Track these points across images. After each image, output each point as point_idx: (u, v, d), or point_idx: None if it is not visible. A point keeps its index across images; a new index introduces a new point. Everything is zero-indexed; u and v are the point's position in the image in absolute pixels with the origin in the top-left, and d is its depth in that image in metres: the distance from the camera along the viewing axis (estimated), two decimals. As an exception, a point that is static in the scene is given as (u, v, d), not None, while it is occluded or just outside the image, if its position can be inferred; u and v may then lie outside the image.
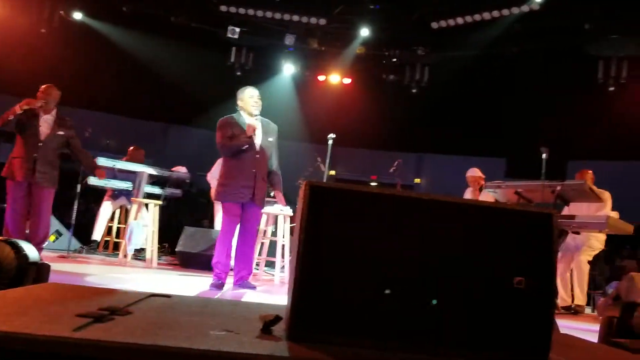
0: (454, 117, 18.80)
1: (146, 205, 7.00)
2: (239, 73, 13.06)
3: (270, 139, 5.17)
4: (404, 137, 19.82)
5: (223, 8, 11.25)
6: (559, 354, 1.60)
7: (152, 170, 7.15)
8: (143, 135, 16.81)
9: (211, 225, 8.01)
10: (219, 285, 4.98)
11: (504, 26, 10.79)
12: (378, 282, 1.44)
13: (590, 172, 6.78)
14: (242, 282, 5.11)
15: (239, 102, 5.20)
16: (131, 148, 8.60)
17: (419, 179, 22.62)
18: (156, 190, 7.28)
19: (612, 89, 12.00)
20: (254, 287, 5.13)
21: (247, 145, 4.97)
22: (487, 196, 6.70)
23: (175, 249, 7.31)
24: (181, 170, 7.54)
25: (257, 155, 5.03)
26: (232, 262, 5.22)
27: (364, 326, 1.42)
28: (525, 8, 10.03)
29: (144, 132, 17.35)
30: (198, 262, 7.00)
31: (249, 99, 5.13)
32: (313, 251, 1.44)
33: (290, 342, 1.42)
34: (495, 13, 10.32)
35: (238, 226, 5.10)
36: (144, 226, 6.79)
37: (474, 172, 7.78)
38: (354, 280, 1.44)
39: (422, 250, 1.46)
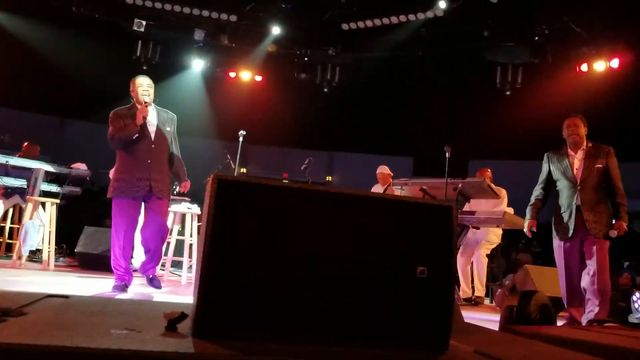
0: (364, 116, 19.26)
1: (42, 204, 6.60)
2: (145, 67, 12.61)
3: (167, 129, 4.92)
4: (316, 135, 20.04)
5: (129, 0, 10.83)
6: (459, 340, 1.67)
7: (49, 167, 6.72)
8: (38, 130, 15.87)
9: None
10: (121, 287, 4.74)
11: (411, 30, 11.19)
12: (284, 276, 1.44)
13: (489, 170, 7.16)
14: (148, 273, 4.91)
15: (131, 93, 4.95)
16: (25, 143, 8.05)
17: (330, 177, 22.98)
18: (53, 188, 6.85)
19: (508, 93, 12.73)
20: (159, 287, 4.95)
21: (136, 135, 4.69)
22: (394, 193, 6.91)
23: (75, 250, 6.92)
24: (81, 167, 7.14)
25: (153, 146, 4.77)
26: (136, 263, 5.01)
27: (269, 320, 1.41)
28: (430, 14, 10.45)
29: (39, 126, 16.39)
30: (99, 263, 6.65)
31: (138, 87, 4.85)
32: (219, 246, 1.42)
33: (195, 338, 1.39)
34: (403, 17, 10.69)
35: (140, 224, 4.90)
36: (40, 226, 6.40)
37: (383, 169, 8.00)
38: (260, 275, 1.43)
39: (329, 243, 1.47)
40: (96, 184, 12.96)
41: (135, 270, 5.17)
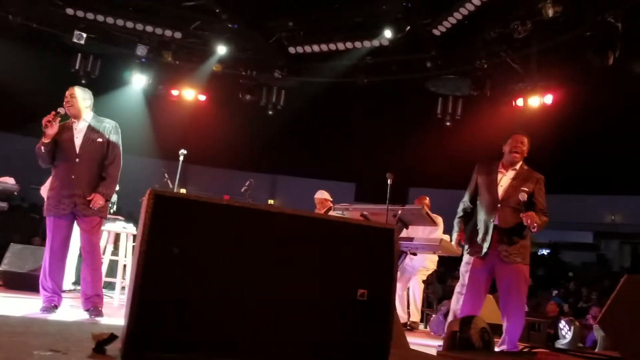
0: (308, 141, 19.41)
1: None
2: (83, 81, 12.23)
3: (99, 140, 4.57)
4: (259, 157, 20.00)
5: (69, 11, 10.50)
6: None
7: None
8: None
9: (43, 243, 7.28)
10: (49, 309, 4.46)
11: (356, 57, 11.39)
12: (220, 297, 1.40)
13: (427, 198, 7.30)
14: (90, 307, 4.58)
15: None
16: None
17: (272, 200, 22.90)
18: None
19: (448, 124, 13.09)
20: (101, 315, 4.59)
21: (43, 148, 4.40)
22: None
23: (-1, 269, 6.52)
24: (8, 181, 6.76)
25: (77, 160, 4.46)
26: (66, 284, 4.73)
27: (203, 342, 1.36)
28: (375, 42, 10.65)
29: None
30: (26, 283, 6.28)
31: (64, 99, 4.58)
32: (154, 265, 1.36)
33: (123, 362, 1.32)
34: (349, 44, 10.85)
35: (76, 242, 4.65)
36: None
37: (321, 195, 8.01)
38: (195, 296, 1.38)
39: (269, 263, 1.44)
40: (26, 200, 12.40)
41: (64, 291, 4.90)
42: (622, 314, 2.09)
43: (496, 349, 4.16)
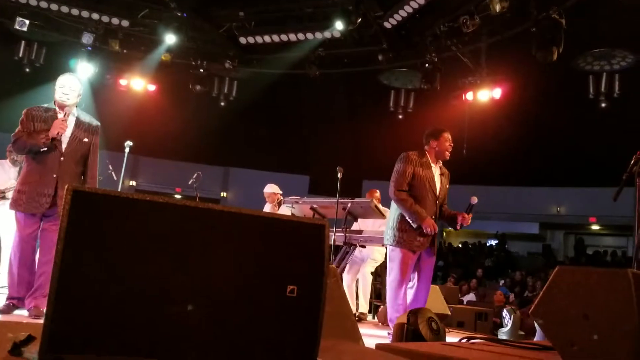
0: (262, 132, 19.26)
1: None
2: (27, 69, 11.83)
3: (85, 140, 4.33)
4: (211, 149, 19.74)
5: (11, -4, 10.11)
6: (332, 358, 1.65)
7: None
8: None
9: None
10: (6, 310, 4.21)
11: (308, 49, 11.33)
12: (144, 296, 1.35)
13: (378, 191, 7.34)
14: (30, 306, 4.19)
15: (53, 91, 4.32)
16: None
17: (225, 193, 22.65)
18: None
19: (400, 117, 13.23)
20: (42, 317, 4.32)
21: (44, 148, 4.13)
22: (286, 211, 6.90)
23: None
24: None
25: (62, 158, 4.20)
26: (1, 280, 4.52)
27: (126, 343, 1.32)
28: (327, 34, 10.63)
29: None
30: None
31: (58, 88, 4.26)
32: (72, 263, 1.31)
33: (40, 364, 1.26)
34: (300, 35, 10.79)
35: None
36: None
37: (270, 188, 7.96)
38: (117, 295, 1.33)
39: (196, 261, 1.40)
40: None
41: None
42: (553, 305, 2.14)
43: None
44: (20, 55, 11.61)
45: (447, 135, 4.76)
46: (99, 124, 4.51)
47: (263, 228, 1.49)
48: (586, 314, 1.96)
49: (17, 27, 10.31)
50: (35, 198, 4.16)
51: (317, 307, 1.49)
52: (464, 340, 2.77)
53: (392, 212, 4.76)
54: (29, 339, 1.40)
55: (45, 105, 4.33)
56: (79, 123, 4.34)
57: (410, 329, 3.09)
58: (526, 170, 18.64)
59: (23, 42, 11.52)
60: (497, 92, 11.39)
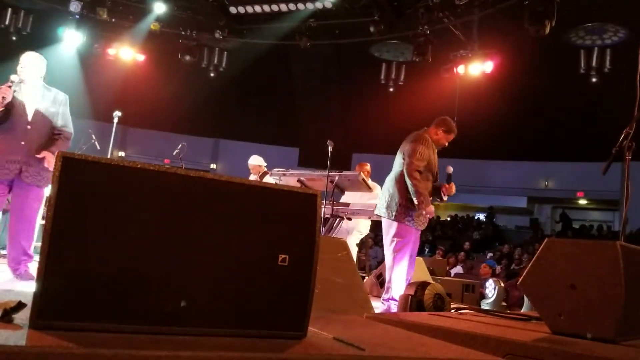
0: (252, 104, 19.11)
1: None
2: (14, 38, 11.62)
3: (52, 109, 4.49)
4: (201, 121, 19.58)
5: (-4, -39, 9.87)
6: (322, 328, 1.67)
7: None
8: None
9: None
10: None
11: (299, 19, 11.20)
12: (134, 263, 1.35)
13: (367, 164, 7.32)
14: (18, 272, 4.45)
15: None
16: None
17: (215, 165, 22.58)
18: None
19: (391, 89, 13.19)
20: (32, 278, 4.47)
21: None
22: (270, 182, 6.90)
23: None
24: None
25: (29, 127, 4.33)
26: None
27: (115, 310, 1.31)
28: (319, 5, 10.51)
29: None
30: None
31: (18, 66, 4.41)
32: (63, 230, 1.30)
33: (31, 330, 1.26)
34: (292, 6, 10.66)
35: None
36: None
37: (254, 160, 7.89)
38: (109, 262, 1.32)
39: (187, 229, 1.40)
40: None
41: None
42: (541, 275, 2.17)
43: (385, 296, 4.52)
44: (7, 23, 11.43)
45: (452, 126, 4.89)
46: (66, 95, 4.66)
47: (255, 197, 1.48)
48: (574, 285, 1.99)
49: (3, -7, 10.10)
50: (5, 165, 4.27)
51: (308, 276, 1.49)
52: (452, 311, 2.81)
53: (395, 188, 4.73)
54: (20, 305, 1.39)
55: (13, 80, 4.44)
56: (44, 95, 4.49)
57: (415, 300, 3.17)
58: (515, 144, 18.71)
59: (9, 10, 11.33)
60: (488, 66, 11.37)
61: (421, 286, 3.15)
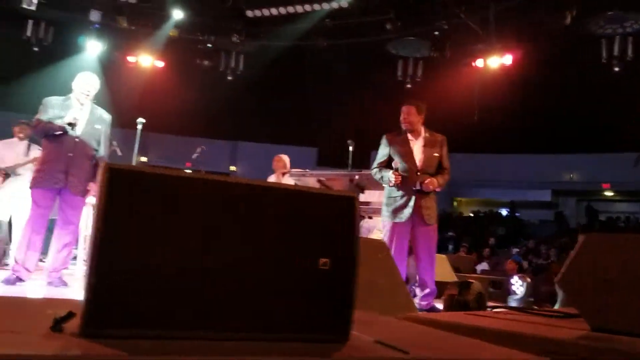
0: (269, 106, 19.18)
1: None
2: (36, 49, 11.78)
3: (97, 127, 4.76)
4: (219, 124, 19.71)
5: (17, -26, 10.03)
6: (361, 330, 1.67)
7: None
8: None
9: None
10: (11, 281, 4.44)
11: (315, 20, 11.22)
12: (181, 270, 1.37)
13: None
14: (51, 279, 4.61)
15: (73, 84, 4.76)
16: None
17: (234, 167, 22.70)
18: None
19: (409, 86, 13.11)
20: (65, 285, 4.63)
21: (59, 132, 4.53)
22: (289, 183, 6.93)
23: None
24: None
25: (77, 140, 4.60)
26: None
27: (162, 317, 1.33)
28: (335, 4, 10.51)
29: None
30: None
31: (82, 85, 4.72)
32: (112, 240, 1.32)
33: (82, 339, 1.28)
34: (308, 7, 10.69)
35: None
36: None
37: (282, 156, 7.92)
38: (155, 270, 1.34)
39: (230, 235, 1.41)
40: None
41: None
42: (579, 272, 2.14)
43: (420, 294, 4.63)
44: (29, 34, 11.54)
45: (401, 110, 4.98)
46: (110, 117, 4.96)
47: (294, 201, 1.49)
48: (614, 280, 1.97)
49: (25, 5, 10.23)
50: (54, 175, 4.53)
51: (350, 279, 1.50)
52: (489, 309, 2.80)
53: None
54: (69, 315, 1.42)
55: (64, 96, 4.76)
56: (92, 112, 4.79)
57: (459, 301, 3.18)
58: (538, 137, 18.49)
59: (31, 22, 11.44)
60: (507, 59, 11.27)
61: (464, 286, 3.15)
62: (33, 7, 10.36)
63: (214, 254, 1.39)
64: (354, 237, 1.54)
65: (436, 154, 4.82)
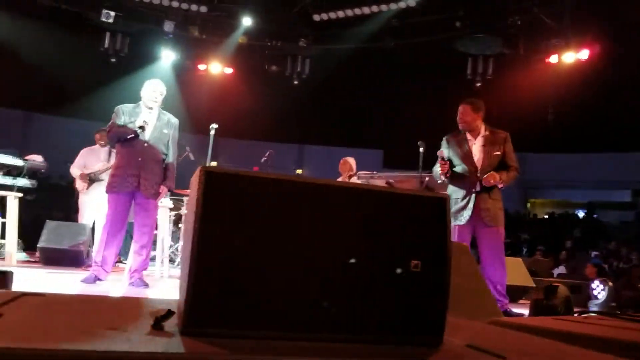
0: (335, 108, 19.26)
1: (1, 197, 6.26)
2: (113, 60, 12.33)
3: (165, 131, 4.97)
4: (286, 127, 19.99)
5: (96, -10, 10.55)
6: (449, 334, 1.64)
7: (2, 159, 6.32)
8: (3, 124, 15.41)
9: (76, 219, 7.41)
10: (90, 280, 4.67)
11: (382, 21, 11.16)
12: (274, 271, 1.39)
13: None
14: (133, 280, 4.83)
15: (141, 92, 5.01)
16: None
17: (300, 170, 22.93)
18: (8, 181, 6.42)
19: (479, 84, 12.80)
20: (146, 285, 4.83)
21: (131, 135, 4.76)
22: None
23: (38, 245, 6.65)
24: (36, 158, 6.80)
25: (146, 145, 4.82)
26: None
27: (259, 317, 1.36)
28: (402, 4, 10.43)
29: (3, 120, 15.90)
30: (64, 258, 6.44)
31: (150, 92, 4.95)
32: (209, 240, 1.36)
33: (184, 337, 1.33)
34: (375, 8, 10.65)
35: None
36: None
37: (348, 158, 7.91)
38: (250, 270, 1.37)
39: (320, 237, 1.42)
40: (64, 178, 12.62)
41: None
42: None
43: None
44: (106, 46, 12.09)
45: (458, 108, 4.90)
46: (177, 120, 5.14)
47: (384, 203, 1.48)
48: None
49: (103, 19, 10.76)
50: (126, 179, 4.75)
51: (442, 282, 1.47)
52: (576, 315, 2.69)
53: None
54: (169, 313, 1.47)
55: (134, 104, 4.99)
56: (160, 118, 4.99)
57: (547, 305, 3.10)
58: (616, 135, 17.60)
59: (108, 34, 11.98)
60: (583, 54, 10.82)
61: (550, 290, 3.05)
62: (110, 20, 10.87)
63: (308, 255, 1.40)
64: (446, 240, 1.51)
65: (497, 153, 4.67)
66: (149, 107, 4.91)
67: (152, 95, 4.93)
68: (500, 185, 4.61)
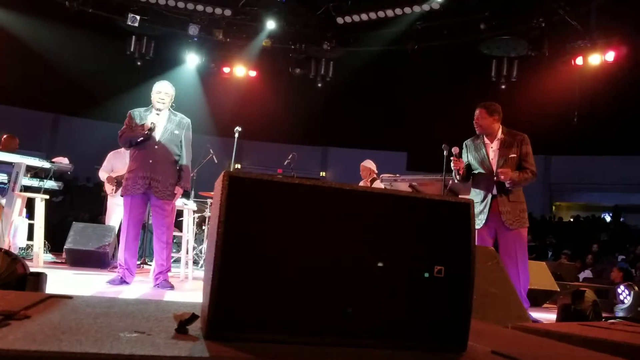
0: (358, 111, 19.23)
1: (29, 199, 6.37)
2: (139, 63, 12.49)
3: (176, 132, 4.97)
4: (310, 130, 20.03)
5: (122, -6, 10.72)
6: (474, 340, 1.63)
7: (30, 161, 6.44)
8: (31, 127, 15.73)
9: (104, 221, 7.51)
10: (116, 282, 4.75)
11: (406, 23, 11.12)
12: (298, 276, 1.40)
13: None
14: (158, 282, 4.89)
15: (151, 95, 5.03)
16: (4, 136, 7.52)
17: (324, 172, 22.93)
18: (34, 182, 6.55)
19: (503, 87, 12.66)
20: (171, 287, 4.88)
21: (141, 138, 4.79)
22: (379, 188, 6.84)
23: (64, 247, 6.76)
24: (63, 161, 6.90)
25: (156, 147, 4.83)
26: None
27: (284, 321, 1.37)
28: (426, 7, 10.38)
29: (32, 123, 16.23)
30: (90, 259, 6.52)
31: (155, 94, 4.96)
32: (233, 245, 1.37)
33: (208, 341, 1.34)
34: (398, 10, 10.61)
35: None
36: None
37: (367, 163, 7.87)
38: (273, 275, 1.38)
39: (344, 242, 1.43)
40: (91, 180, 12.85)
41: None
42: None
43: None
44: (132, 49, 12.26)
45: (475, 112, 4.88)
46: (189, 120, 5.12)
47: (408, 208, 1.48)
48: None
49: (129, 22, 10.92)
50: (138, 182, 4.78)
51: (466, 287, 1.47)
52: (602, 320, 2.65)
53: None
54: (193, 317, 1.48)
55: (145, 107, 5.02)
56: (170, 119, 4.99)
57: (576, 310, 3.07)
58: (644, 137, 17.26)
59: (133, 37, 12.15)
60: (610, 55, 10.64)
61: (577, 295, 3.01)
62: (136, 24, 11.02)
63: (332, 260, 1.40)
64: (470, 245, 1.50)
65: (513, 155, 4.64)
66: (158, 109, 4.92)
67: (158, 96, 4.93)
68: (508, 184, 4.56)
